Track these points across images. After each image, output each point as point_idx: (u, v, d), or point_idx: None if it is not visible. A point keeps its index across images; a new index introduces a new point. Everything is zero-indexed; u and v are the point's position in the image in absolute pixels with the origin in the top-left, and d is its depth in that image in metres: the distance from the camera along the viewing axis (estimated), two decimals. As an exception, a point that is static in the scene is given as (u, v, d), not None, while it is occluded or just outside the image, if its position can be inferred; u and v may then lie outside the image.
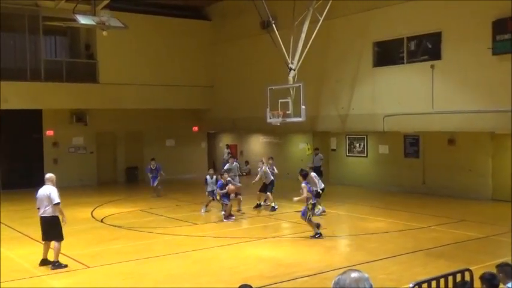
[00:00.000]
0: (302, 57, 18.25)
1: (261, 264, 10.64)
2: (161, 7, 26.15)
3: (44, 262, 10.38)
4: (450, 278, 6.41)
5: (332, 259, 11.01)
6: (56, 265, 10.26)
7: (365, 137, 22.64)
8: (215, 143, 31.38)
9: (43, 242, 10.53)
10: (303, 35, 18.27)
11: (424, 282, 6.21)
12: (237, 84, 26.08)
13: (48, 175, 10.87)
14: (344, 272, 3.09)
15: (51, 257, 10.39)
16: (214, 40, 27.63)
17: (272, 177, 17.69)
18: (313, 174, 15.98)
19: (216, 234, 13.66)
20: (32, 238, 13.06)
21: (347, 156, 23.58)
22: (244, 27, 25.09)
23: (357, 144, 23.09)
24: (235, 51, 26.27)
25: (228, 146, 29.91)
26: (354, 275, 3.08)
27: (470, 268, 6.77)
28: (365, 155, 22.79)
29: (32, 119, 24.18)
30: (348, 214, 16.68)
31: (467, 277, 6.54)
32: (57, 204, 10.33)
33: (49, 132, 24.67)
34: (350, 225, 15.27)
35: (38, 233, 12.74)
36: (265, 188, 17.42)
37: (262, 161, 18.21)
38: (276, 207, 17.03)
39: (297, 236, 13.33)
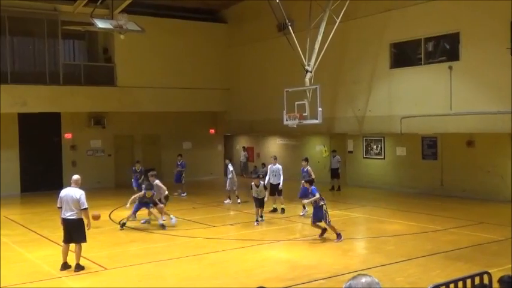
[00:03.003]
0: (318, 59, 18.21)
1: (278, 266, 10.62)
2: (178, 10, 26.29)
3: (65, 266, 10.40)
4: (468, 281, 6.34)
5: (349, 261, 10.96)
6: (80, 268, 10.32)
7: (382, 138, 22.51)
8: (232, 146, 31.44)
9: (63, 244, 10.56)
10: (320, 37, 18.24)
11: (442, 285, 6.15)
12: (253, 87, 26.12)
13: (75, 177, 10.87)
14: (354, 277, 3.07)
15: (70, 260, 10.46)
16: (231, 43, 27.70)
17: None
18: (279, 166, 17.20)
19: (233, 236, 13.68)
20: (51, 240, 13.20)
21: (364, 158, 23.46)
22: (260, 29, 25.13)
23: (374, 146, 22.97)
24: (252, 53, 26.31)
25: (244, 149, 29.96)
26: (364, 279, 3.05)
27: (489, 271, 6.69)
28: (382, 157, 22.65)
29: (50, 122, 24.46)
30: (365, 216, 16.59)
31: (485, 280, 6.46)
32: (86, 209, 10.35)
33: (67, 135, 24.92)
34: (367, 228, 15.18)
35: (56, 235, 12.88)
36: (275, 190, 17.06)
37: (275, 157, 18.19)
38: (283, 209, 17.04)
39: (314, 238, 13.28)
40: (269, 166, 17.91)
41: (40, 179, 23.61)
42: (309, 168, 17.17)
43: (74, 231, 10.32)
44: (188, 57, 26.47)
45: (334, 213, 16.82)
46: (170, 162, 27.04)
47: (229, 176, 19.35)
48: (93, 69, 25.25)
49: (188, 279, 9.79)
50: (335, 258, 11.19)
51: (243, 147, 30.09)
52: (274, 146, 28.79)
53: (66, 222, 10.33)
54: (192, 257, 11.50)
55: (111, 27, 18.40)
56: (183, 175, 21.86)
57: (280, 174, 17.08)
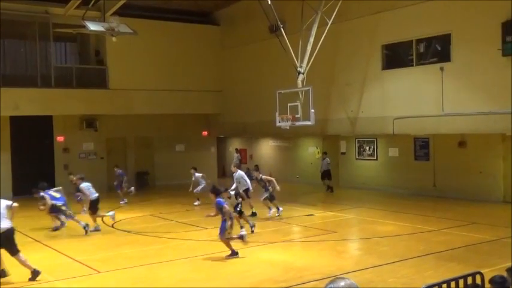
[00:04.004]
0: (311, 61, 18.26)
1: (271, 268, 10.63)
2: (170, 12, 26.29)
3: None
4: (461, 281, 6.37)
5: (343, 263, 10.97)
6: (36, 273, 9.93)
7: (375, 140, 22.58)
8: (225, 148, 31.44)
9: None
10: (312, 39, 18.29)
11: (435, 285, 6.18)
12: (246, 89, 26.12)
13: None
14: (333, 281, 3.08)
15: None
16: (223, 45, 27.70)
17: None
18: (241, 173, 16.69)
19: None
20: (43, 243, 13.14)
21: (357, 159, 23.52)
22: (253, 31, 25.15)
23: (367, 148, 23.03)
24: (244, 55, 26.33)
25: (237, 151, 29.96)
26: (343, 283, 3.05)
27: (482, 271, 6.72)
28: (375, 158, 22.72)
29: (42, 125, 24.37)
30: (358, 217, 16.63)
31: (478, 280, 6.50)
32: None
33: (60, 138, 24.83)
34: (360, 229, 15.22)
35: (50, 239, 12.88)
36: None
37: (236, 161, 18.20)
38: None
39: (308, 239, 13.30)
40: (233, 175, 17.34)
41: (32, 182, 23.39)
42: (262, 175, 16.92)
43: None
44: (181, 60, 26.44)
45: (327, 215, 16.89)
46: (163, 165, 27.05)
47: (193, 179, 19.85)
48: (85, 71, 25.18)
49: (182, 282, 9.77)
50: (329, 260, 11.20)
51: (236, 149, 30.08)
52: (267, 147, 28.82)
53: None
54: (185, 259, 11.49)
55: (103, 29, 18.36)
56: (124, 184, 20.69)
57: (245, 180, 16.48)
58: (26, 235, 14.35)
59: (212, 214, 11.73)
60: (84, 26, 18.34)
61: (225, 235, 11.20)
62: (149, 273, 10.48)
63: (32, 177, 23.73)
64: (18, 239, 13.82)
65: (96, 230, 14.75)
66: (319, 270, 10.27)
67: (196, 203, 19.45)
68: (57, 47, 24.87)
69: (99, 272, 10.50)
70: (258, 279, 9.83)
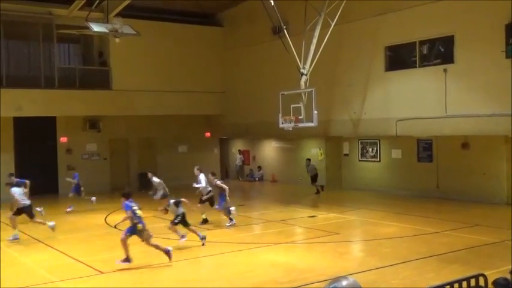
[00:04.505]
0: (314, 62, 18.25)
1: (274, 269, 10.62)
2: (173, 14, 26.31)
3: None
4: (464, 283, 6.36)
5: (345, 264, 10.96)
6: None
7: (378, 141, 22.55)
8: (227, 149, 31.44)
9: None
10: (315, 40, 18.28)
11: (438, 287, 6.16)
12: (249, 90, 26.12)
13: None
14: (335, 280, 3.06)
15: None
16: (226, 46, 27.71)
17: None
18: (203, 176, 16.23)
19: (229, 239, 13.66)
20: (46, 244, 13.16)
21: (360, 160, 23.49)
22: (256, 33, 25.16)
23: (370, 149, 23.01)
24: (247, 57, 26.34)
25: (240, 152, 29.97)
26: (346, 282, 3.03)
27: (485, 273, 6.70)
28: (378, 159, 22.69)
29: (46, 126, 24.41)
30: (361, 219, 16.61)
31: (481, 282, 6.48)
32: None
33: (63, 139, 24.88)
34: (363, 230, 15.20)
35: (52, 239, 12.89)
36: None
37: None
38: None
39: (310, 241, 13.29)
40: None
41: (35, 183, 23.46)
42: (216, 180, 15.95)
43: None
44: (184, 61, 26.46)
45: (329, 216, 16.87)
46: (166, 166, 27.03)
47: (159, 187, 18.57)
48: (88, 72, 25.21)
49: (184, 283, 9.77)
50: (331, 261, 11.19)
51: (239, 151, 30.09)
52: (269, 149, 28.82)
53: None
54: (188, 260, 11.49)
55: (106, 31, 18.36)
56: (81, 188, 19.30)
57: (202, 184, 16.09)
58: (30, 236, 14.38)
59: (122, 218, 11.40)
60: (87, 27, 18.36)
61: (126, 237, 10.81)
62: (151, 274, 10.49)
63: (35, 178, 23.82)
64: (20, 239, 13.89)
65: (15, 238, 13.79)
66: (321, 271, 10.27)
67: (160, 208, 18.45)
68: (60, 48, 24.90)
69: (101, 273, 10.51)
70: (260, 280, 9.83)
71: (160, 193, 18.43)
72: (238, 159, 29.99)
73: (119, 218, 15.66)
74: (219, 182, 15.84)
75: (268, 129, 23.51)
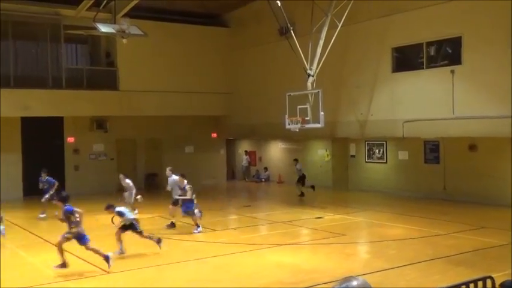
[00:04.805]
0: (321, 63, 18.24)
1: (280, 270, 10.63)
2: (180, 14, 26.37)
3: None
4: (471, 286, 6.34)
5: (351, 266, 10.95)
6: None
7: (384, 143, 22.51)
8: (234, 150, 31.47)
9: None
10: (321, 41, 18.28)
11: (444, 289, 6.16)
12: (255, 91, 26.14)
13: None
14: (346, 280, 3.03)
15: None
16: (233, 47, 27.74)
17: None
18: (176, 178, 15.92)
19: (235, 240, 13.68)
20: (53, 244, 13.21)
21: (366, 162, 23.46)
22: (262, 33, 25.17)
23: (376, 150, 22.97)
24: (254, 57, 26.35)
25: (246, 153, 29.98)
26: (356, 282, 3.00)
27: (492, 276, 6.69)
28: (384, 161, 22.65)
29: (53, 126, 24.53)
30: (367, 220, 16.58)
31: (488, 285, 6.46)
32: None
33: (70, 139, 24.98)
34: (369, 232, 15.18)
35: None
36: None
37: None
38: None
39: (316, 242, 13.29)
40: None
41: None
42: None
43: None
44: (190, 62, 26.52)
45: (336, 218, 16.86)
46: (173, 166, 27.07)
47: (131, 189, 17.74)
48: (95, 73, 25.32)
49: (190, 283, 9.80)
50: (337, 263, 11.19)
51: (245, 151, 30.11)
52: (276, 150, 28.83)
53: None
54: (194, 261, 11.52)
55: (113, 31, 18.44)
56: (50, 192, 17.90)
57: (178, 187, 15.67)
58: (37, 236, 14.46)
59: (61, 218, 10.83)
60: (95, 28, 18.44)
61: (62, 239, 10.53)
62: (158, 274, 10.53)
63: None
64: (27, 239, 13.96)
65: None
66: (327, 273, 10.26)
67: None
68: (68, 49, 25.02)
69: (108, 273, 10.54)
70: (266, 281, 9.84)
71: (131, 195, 17.54)
72: (244, 160, 30.00)
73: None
74: (188, 186, 15.26)
75: (275, 130, 23.52)
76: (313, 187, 21.62)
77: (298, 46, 18.37)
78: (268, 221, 16.47)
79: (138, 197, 17.32)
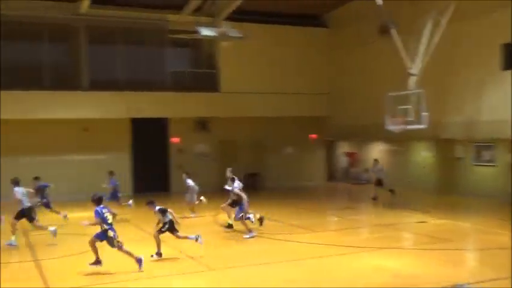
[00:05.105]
0: (424, 62, 17.62)
1: (379, 274, 10.37)
2: (279, 16, 26.57)
3: None
4: None
5: (455, 273, 10.44)
6: None
7: (494, 144, 21.28)
8: (333, 151, 31.18)
9: None
10: (425, 39, 17.65)
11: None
12: (356, 91, 25.76)
13: None
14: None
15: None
16: (332, 47, 27.54)
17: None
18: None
19: (335, 242, 13.53)
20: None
21: (474, 165, 22.29)
22: (362, 33, 24.75)
23: (485, 153, 21.76)
24: (354, 57, 25.99)
25: (346, 154, 29.59)
26: None
27: None
28: (494, 164, 21.41)
29: (160, 127, 25.72)
30: (474, 226, 15.74)
31: None
32: None
33: (175, 140, 26.03)
34: (476, 239, 14.41)
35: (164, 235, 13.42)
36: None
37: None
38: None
39: (419, 247, 12.83)
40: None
41: (150, 180, 24.86)
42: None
43: None
44: (290, 62, 26.66)
45: (440, 222, 16.17)
46: (273, 167, 27.39)
47: (189, 188, 17.87)
48: (198, 75, 26.15)
49: (287, 284, 9.81)
50: (440, 269, 10.72)
51: (345, 153, 29.72)
52: (377, 151, 28.19)
53: None
54: (293, 261, 11.52)
55: (214, 34, 18.98)
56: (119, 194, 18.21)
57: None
58: (142, 230, 15.13)
59: (91, 223, 10.81)
60: (197, 32, 19.07)
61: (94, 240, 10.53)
62: (257, 273, 10.63)
63: (149, 176, 25.22)
64: (133, 233, 14.64)
65: (11, 244, 13.28)
66: (429, 279, 9.87)
67: (193, 215, 17.65)
68: (172, 52, 26.04)
69: (210, 270, 10.78)
70: (364, 285, 9.64)
71: (192, 197, 17.66)
72: (344, 161, 29.63)
73: (226, 216, 16.15)
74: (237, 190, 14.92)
75: (376, 131, 23.01)
76: (392, 191, 20.73)
77: (400, 45, 17.86)
78: (369, 224, 16.14)
79: (202, 197, 17.55)
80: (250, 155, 27.49)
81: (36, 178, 16.96)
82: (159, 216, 11.73)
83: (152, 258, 11.45)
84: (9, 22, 22.07)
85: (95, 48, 24.24)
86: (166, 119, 25.65)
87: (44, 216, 16.01)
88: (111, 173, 18.41)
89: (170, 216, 11.67)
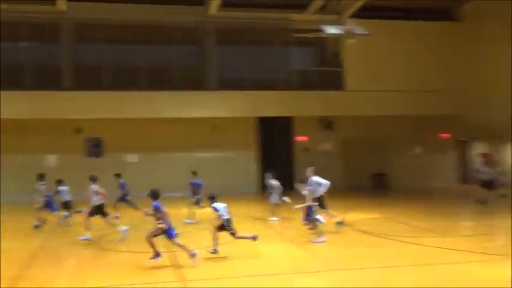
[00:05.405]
0: None
1: None
2: (405, 11, 25.70)
3: None
4: None
5: None
6: None
7: None
8: (466, 151, 29.41)
9: None
10: None
11: None
12: (493, 88, 24.09)
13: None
14: None
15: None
16: (466, 42, 25.99)
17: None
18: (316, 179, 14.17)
19: (469, 248, 12.67)
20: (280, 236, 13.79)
21: None
22: (500, 27, 23.09)
23: None
24: (492, 52, 24.32)
25: (482, 155, 27.74)
26: None
27: None
28: None
29: (284, 126, 25.95)
30: None
31: None
32: None
33: (300, 138, 26.10)
34: None
35: (291, 233, 13.41)
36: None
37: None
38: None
39: None
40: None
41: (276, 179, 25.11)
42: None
43: None
44: (418, 59, 25.63)
45: None
46: (400, 167, 26.51)
47: (271, 190, 17.13)
48: (322, 74, 25.97)
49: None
50: None
51: (481, 154, 27.87)
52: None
53: None
54: (421, 266, 10.93)
55: (339, 32, 18.69)
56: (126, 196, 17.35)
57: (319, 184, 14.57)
58: (270, 228, 15.25)
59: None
60: (321, 30, 18.90)
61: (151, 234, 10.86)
62: (387, 276, 10.21)
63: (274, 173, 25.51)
64: (260, 231, 14.78)
65: (86, 239, 13.52)
66: None
67: (273, 219, 16.79)
68: (296, 51, 26.12)
69: (337, 270, 10.56)
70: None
71: (275, 197, 17.05)
72: (478, 163, 27.80)
73: (353, 216, 15.81)
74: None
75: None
76: (504, 196, 18.73)
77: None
78: (506, 229, 14.92)
79: (285, 198, 17.05)
80: (376, 154, 26.79)
81: (118, 175, 17.35)
82: (216, 213, 11.69)
83: (209, 254, 11.43)
84: (144, 27, 23.54)
85: (223, 49, 25.03)
86: (291, 117, 25.79)
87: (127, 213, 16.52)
88: (118, 176, 17.55)
89: (226, 216, 11.59)
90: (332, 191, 19.03)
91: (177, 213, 16.92)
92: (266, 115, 24.50)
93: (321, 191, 14.52)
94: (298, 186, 14.17)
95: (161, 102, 23.34)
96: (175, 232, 11.03)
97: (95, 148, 24.43)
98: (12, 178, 22.61)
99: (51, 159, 23.94)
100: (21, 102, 22.19)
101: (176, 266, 10.86)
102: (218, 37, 24.87)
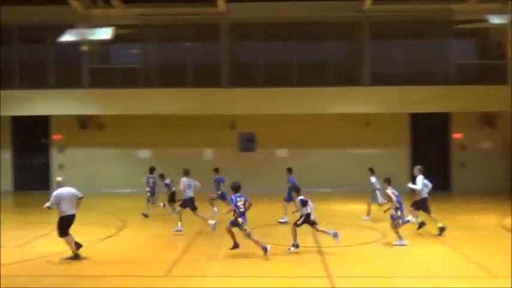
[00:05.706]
0: None
1: None
2: None
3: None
4: None
5: None
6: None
7: None
8: None
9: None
10: None
11: None
12: None
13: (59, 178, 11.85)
14: None
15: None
16: None
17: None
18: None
19: None
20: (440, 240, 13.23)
21: None
22: None
23: None
24: None
25: None
26: None
27: None
28: None
29: (440, 122, 24.85)
30: None
31: None
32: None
33: (457, 135, 24.90)
34: None
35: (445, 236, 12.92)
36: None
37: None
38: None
39: None
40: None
41: (431, 177, 24.15)
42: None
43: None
44: None
45: None
46: None
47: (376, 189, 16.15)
48: (484, 67, 24.36)
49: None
50: None
51: None
52: None
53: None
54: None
55: (505, 22, 17.46)
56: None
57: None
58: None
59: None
60: (485, 20, 17.79)
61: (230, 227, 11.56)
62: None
63: (428, 172, 24.50)
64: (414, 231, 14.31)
65: (178, 230, 14.28)
66: None
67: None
68: (457, 44, 24.76)
69: (493, 277, 10.00)
70: None
71: (378, 198, 16.01)
72: None
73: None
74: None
75: None
76: None
77: None
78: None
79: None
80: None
81: (216, 170, 17.16)
82: (299, 206, 12.02)
83: (289, 251, 11.76)
84: (297, 24, 24.02)
85: (376, 43, 24.58)
86: (446, 113, 24.60)
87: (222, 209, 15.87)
88: (215, 170, 17.26)
89: (309, 210, 11.87)
90: (493, 192, 17.88)
91: (327, 208, 17.02)
92: (421, 111, 23.58)
93: (426, 192, 14.03)
94: (383, 186, 13.78)
95: (314, 99, 23.55)
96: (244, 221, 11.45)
97: (248, 143, 25.37)
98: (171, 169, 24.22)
99: (207, 153, 25.33)
100: (183, 99, 23.78)
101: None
102: (371, 31, 24.46)
